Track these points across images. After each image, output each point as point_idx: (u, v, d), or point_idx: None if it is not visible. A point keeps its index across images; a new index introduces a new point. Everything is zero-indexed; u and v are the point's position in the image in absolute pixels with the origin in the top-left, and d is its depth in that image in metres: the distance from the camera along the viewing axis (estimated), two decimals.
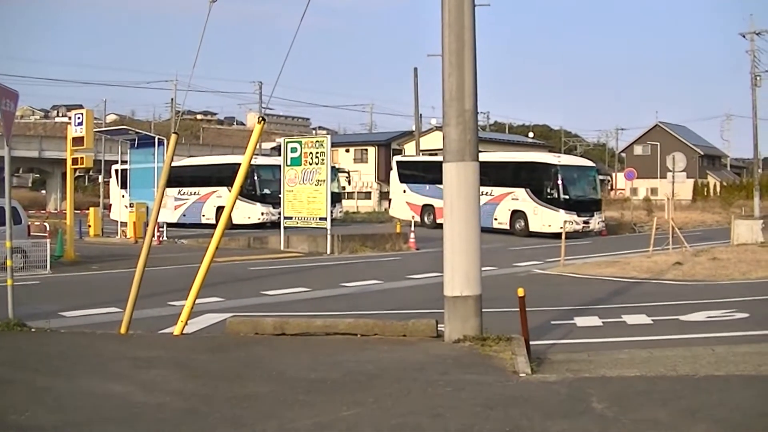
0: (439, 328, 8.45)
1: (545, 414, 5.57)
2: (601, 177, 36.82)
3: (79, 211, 26.54)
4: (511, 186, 31.15)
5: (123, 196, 30.84)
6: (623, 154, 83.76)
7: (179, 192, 34.90)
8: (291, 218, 24.75)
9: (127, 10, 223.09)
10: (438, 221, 29.79)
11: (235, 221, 29.35)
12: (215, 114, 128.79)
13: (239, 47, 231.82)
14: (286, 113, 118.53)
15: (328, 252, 23.20)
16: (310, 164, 24.15)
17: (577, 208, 30.05)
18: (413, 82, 46.09)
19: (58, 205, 55.22)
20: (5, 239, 9.88)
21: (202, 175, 35.53)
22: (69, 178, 23.08)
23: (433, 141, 50.54)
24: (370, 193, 60.07)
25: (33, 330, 9.24)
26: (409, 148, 54.45)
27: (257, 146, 10.03)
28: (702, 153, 75.71)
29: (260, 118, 9.60)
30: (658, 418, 5.46)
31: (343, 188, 45.39)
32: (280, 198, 25.96)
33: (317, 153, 24.08)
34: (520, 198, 30.91)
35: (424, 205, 34.51)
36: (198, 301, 9.26)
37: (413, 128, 50.63)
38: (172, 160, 10.45)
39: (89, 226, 30.34)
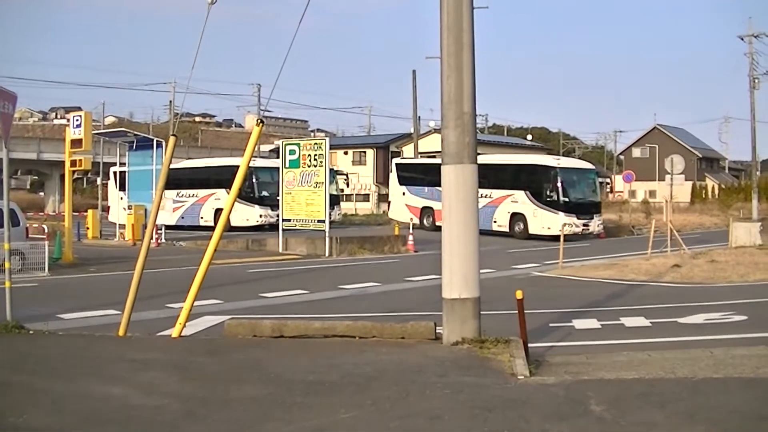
0: (437, 331, 8.45)
1: (543, 416, 5.58)
2: (599, 179, 36.79)
3: (77, 213, 26.43)
4: (510, 188, 31.09)
5: (121, 198, 30.85)
6: (621, 157, 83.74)
7: (177, 194, 34.84)
8: (289, 220, 24.72)
9: (126, 12, 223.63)
10: (437, 223, 29.71)
11: (233, 223, 29.33)
12: (214, 116, 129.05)
13: (238, 49, 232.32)
14: (285, 115, 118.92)
15: (327, 254, 23.18)
16: (309, 166, 24.13)
17: (576, 211, 30.01)
18: (412, 84, 46.11)
19: (56, 207, 55.06)
20: (3, 241, 9.87)
21: (200, 178, 35.50)
22: (67, 180, 23.05)
23: (431, 143, 50.59)
24: (368, 195, 60.05)
25: (31, 332, 9.24)
26: (408, 151, 54.44)
27: (256, 148, 10.03)
28: (700, 155, 75.69)
29: (259, 121, 9.62)
30: (656, 420, 5.47)
31: (342, 190, 45.36)
32: (278, 200, 25.91)
33: (316, 155, 24.06)
34: (519, 200, 30.85)
35: (424, 208, 34.46)
36: (196, 303, 9.24)
37: (412, 130, 50.61)
38: (170, 162, 10.44)
39: (87, 228, 30.27)
